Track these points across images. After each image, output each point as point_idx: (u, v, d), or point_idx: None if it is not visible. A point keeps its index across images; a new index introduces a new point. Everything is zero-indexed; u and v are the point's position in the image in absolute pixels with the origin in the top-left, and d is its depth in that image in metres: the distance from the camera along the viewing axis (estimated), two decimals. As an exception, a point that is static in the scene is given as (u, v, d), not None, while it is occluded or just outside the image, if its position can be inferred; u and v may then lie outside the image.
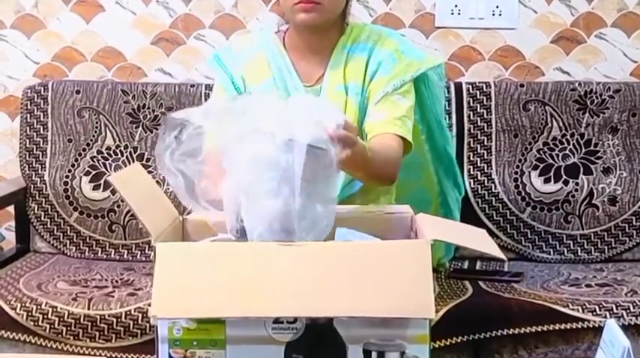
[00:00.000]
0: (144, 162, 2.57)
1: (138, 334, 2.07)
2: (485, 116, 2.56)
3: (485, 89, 2.58)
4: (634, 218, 2.52)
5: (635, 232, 2.52)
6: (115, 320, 2.07)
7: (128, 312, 2.08)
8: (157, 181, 2.50)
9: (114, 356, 2.06)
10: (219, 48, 2.12)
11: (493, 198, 2.54)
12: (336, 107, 1.74)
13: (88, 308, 2.08)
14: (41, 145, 2.62)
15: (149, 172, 2.49)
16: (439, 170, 2.21)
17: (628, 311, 2.06)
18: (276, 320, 1.33)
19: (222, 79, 2.07)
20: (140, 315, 2.07)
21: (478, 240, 1.59)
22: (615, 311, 2.06)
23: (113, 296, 2.15)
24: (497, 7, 2.71)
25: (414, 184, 2.16)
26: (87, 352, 2.05)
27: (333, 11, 1.96)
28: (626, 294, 2.15)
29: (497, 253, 1.52)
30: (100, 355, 2.01)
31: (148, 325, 2.04)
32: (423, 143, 2.15)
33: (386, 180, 1.94)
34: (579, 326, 2.05)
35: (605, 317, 2.02)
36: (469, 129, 2.55)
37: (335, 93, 1.99)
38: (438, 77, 2.10)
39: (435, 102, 2.11)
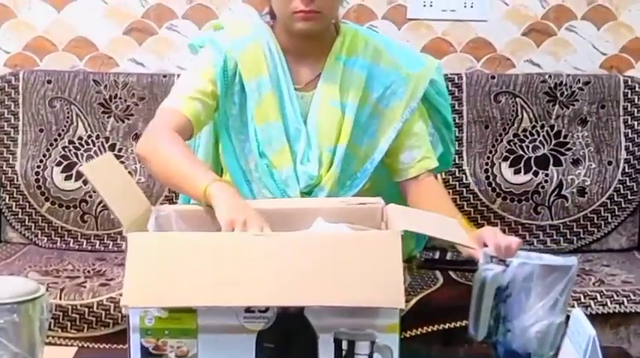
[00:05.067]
0: (116, 152, 2.56)
1: (110, 324, 2.07)
2: (456, 107, 2.57)
3: (456, 81, 2.60)
4: (602, 209, 2.55)
5: (603, 223, 2.55)
6: (86, 310, 2.07)
7: (100, 302, 2.08)
8: (129, 171, 2.52)
9: (86, 345, 2.05)
10: (210, 32, 2.01)
11: (464, 189, 2.56)
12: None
13: (60, 298, 2.08)
14: (12, 135, 2.60)
15: (121, 162, 2.49)
16: None
17: (595, 300, 2.09)
18: (248, 310, 1.35)
19: (212, 56, 1.93)
20: (112, 305, 2.07)
21: (449, 231, 1.61)
22: (583, 300, 2.08)
23: (85, 287, 2.15)
24: (468, -1, 2.73)
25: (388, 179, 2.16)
26: (59, 342, 2.04)
27: (330, 18, 1.93)
28: (593, 284, 2.18)
29: (467, 243, 1.54)
30: (72, 345, 2.00)
31: (120, 315, 2.04)
32: None
33: None
34: (548, 316, 2.07)
35: (573, 306, 2.04)
36: (441, 121, 2.56)
37: (329, 109, 1.93)
38: (439, 78, 2.08)
39: (447, 104, 2.10)
